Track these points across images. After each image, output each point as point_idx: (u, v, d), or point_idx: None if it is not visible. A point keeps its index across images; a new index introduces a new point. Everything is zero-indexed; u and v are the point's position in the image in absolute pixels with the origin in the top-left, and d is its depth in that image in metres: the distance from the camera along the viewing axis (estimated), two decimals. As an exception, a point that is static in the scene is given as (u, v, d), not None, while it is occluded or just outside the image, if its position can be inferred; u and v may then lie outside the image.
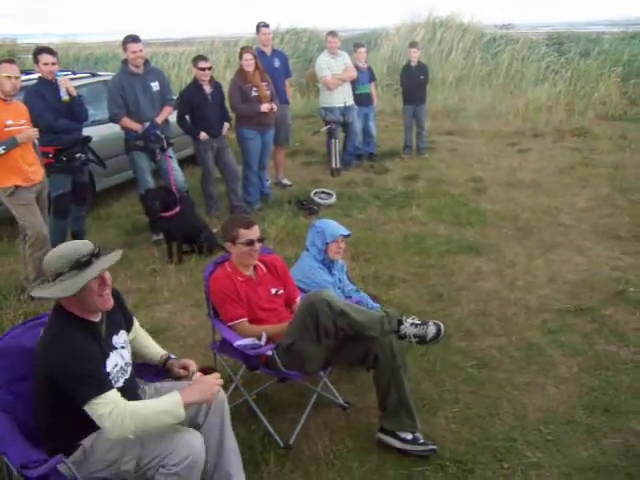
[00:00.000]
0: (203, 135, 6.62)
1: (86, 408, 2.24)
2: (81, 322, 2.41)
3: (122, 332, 2.61)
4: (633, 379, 3.76)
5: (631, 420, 3.39)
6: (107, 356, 2.43)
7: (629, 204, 7.07)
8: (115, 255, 2.48)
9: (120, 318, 2.65)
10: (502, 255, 5.72)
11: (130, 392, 2.46)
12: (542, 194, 7.57)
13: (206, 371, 2.53)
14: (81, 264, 2.35)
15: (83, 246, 2.43)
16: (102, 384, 2.28)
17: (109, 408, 2.22)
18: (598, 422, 3.38)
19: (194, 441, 2.40)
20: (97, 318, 2.47)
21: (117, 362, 2.48)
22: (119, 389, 2.37)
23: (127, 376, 2.53)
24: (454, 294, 4.97)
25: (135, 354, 2.78)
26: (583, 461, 3.10)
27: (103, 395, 2.24)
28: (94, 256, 2.40)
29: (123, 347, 2.57)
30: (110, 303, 2.46)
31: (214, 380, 2.42)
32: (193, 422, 2.61)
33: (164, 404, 2.31)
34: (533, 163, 9.09)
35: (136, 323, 2.87)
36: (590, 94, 13.58)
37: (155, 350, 2.89)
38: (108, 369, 2.41)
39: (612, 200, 7.25)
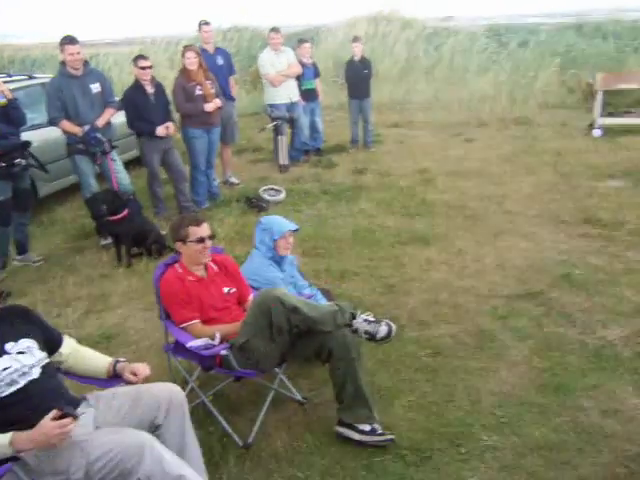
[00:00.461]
0: (161, 129, 6.52)
1: None
2: None
3: (24, 340, 2.60)
4: (580, 358, 3.87)
5: (579, 397, 3.49)
6: None
7: (571, 189, 7.25)
8: None
9: (25, 329, 2.66)
10: (451, 244, 5.80)
11: (37, 393, 2.46)
12: (488, 182, 7.70)
13: (62, 414, 2.30)
14: None
15: None
16: None
17: None
18: (549, 402, 3.47)
19: (139, 436, 2.38)
20: None
21: (9, 365, 2.47)
22: (19, 390, 2.42)
23: (33, 377, 2.50)
24: (406, 285, 5.01)
25: (77, 371, 2.82)
26: (536, 440, 3.18)
27: None
28: None
29: (22, 352, 2.55)
30: None
31: (56, 430, 2.26)
32: (152, 424, 2.57)
33: None
34: (478, 152, 9.25)
35: (70, 341, 2.88)
36: (531, 84, 13.89)
37: (100, 361, 2.85)
38: None
39: (556, 186, 7.42)
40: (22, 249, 5.93)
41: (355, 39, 9.86)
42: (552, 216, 6.41)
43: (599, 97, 10.12)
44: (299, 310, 3.09)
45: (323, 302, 3.91)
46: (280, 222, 4.02)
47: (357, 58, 9.61)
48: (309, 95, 9.19)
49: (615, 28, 16.57)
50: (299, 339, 3.22)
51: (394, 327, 3.25)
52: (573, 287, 4.82)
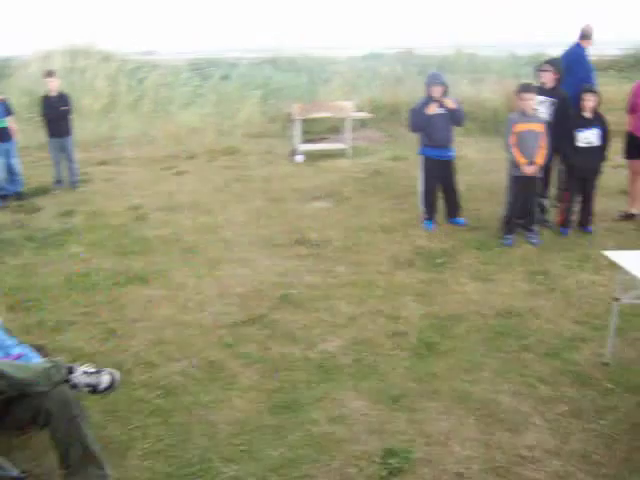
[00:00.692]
0: None
1: None
2: None
3: None
4: (306, 373, 4.08)
5: (309, 411, 3.66)
6: None
7: (281, 213, 7.65)
8: None
9: None
10: (171, 279, 5.71)
11: None
12: (202, 214, 7.76)
13: None
14: None
15: None
16: None
17: None
18: (283, 420, 3.58)
19: None
20: None
21: None
22: None
23: None
24: (128, 327, 4.80)
25: None
26: (275, 461, 3.25)
27: None
28: None
29: None
30: None
31: None
32: None
33: None
34: (190, 185, 9.31)
35: None
36: (235, 115, 14.44)
37: None
38: None
39: (267, 211, 7.76)
40: None
41: (49, 73, 9.29)
42: (266, 240, 6.68)
43: (297, 125, 10.93)
44: (4, 374, 2.76)
45: (36, 360, 3.57)
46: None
47: (53, 94, 9.09)
48: (2, 135, 8.46)
49: (305, 63, 18.06)
50: (10, 406, 2.90)
51: (117, 375, 3.10)
52: (292, 306, 5.07)
